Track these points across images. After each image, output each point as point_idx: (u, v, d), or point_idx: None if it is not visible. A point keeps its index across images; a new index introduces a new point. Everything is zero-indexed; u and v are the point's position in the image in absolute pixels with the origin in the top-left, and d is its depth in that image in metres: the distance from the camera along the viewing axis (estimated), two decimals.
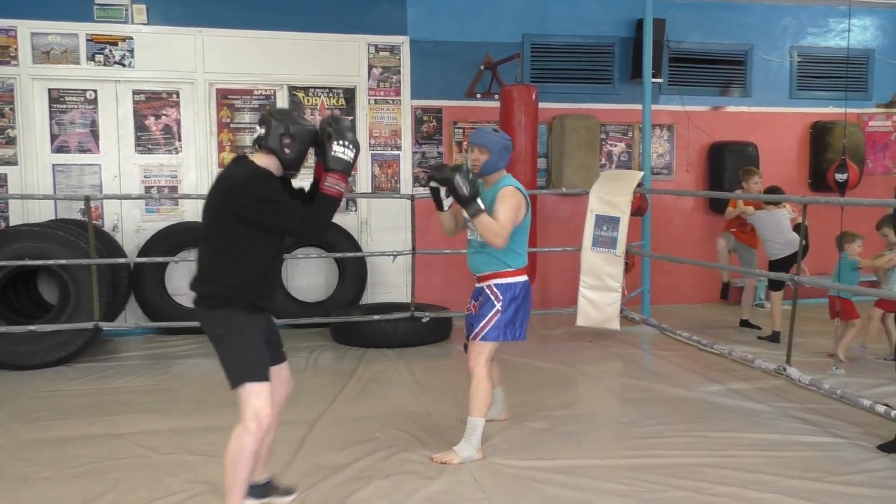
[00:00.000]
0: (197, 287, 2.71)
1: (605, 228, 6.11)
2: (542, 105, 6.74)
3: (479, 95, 7.20)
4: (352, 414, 4.28)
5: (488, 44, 7.17)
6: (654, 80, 6.89)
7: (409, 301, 6.20)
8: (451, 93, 7.22)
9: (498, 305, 3.54)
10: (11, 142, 6.35)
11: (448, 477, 3.36)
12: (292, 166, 2.72)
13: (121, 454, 3.65)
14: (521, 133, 6.46)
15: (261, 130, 2.69)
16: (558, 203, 7.49)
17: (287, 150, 2.66)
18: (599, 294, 6.11)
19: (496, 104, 6.84)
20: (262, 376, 2.66)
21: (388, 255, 6.26)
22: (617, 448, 3.77)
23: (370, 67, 7.06)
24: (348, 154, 2.68)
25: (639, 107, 6.77)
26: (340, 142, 2.66)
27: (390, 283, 7.01)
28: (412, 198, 6.17)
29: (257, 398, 2.64)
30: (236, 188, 2.59)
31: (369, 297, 6.97)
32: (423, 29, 7.13)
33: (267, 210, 2.60)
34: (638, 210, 6.38)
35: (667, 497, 3.15)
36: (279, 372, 2.88)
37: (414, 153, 7.21)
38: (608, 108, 7.59)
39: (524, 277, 3.62)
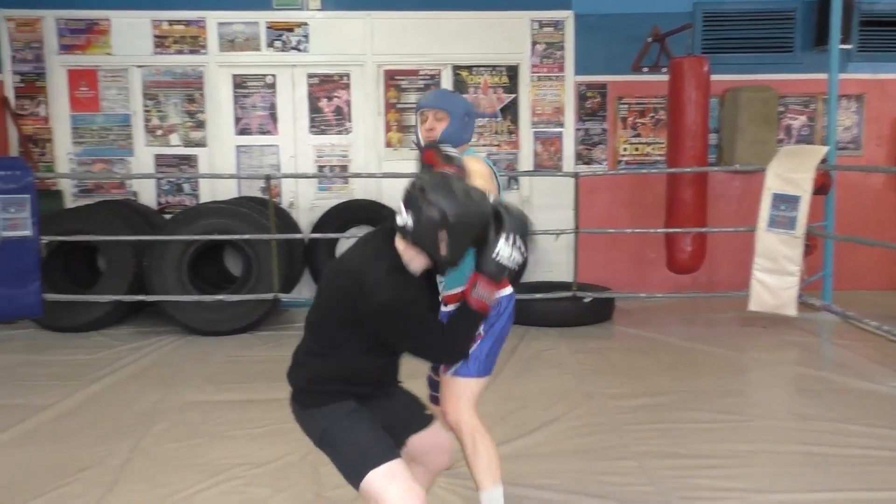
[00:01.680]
0: (291, 379, 2.22)
1: (783, 208, 5.72)
2: (714, 77, 6.38)
3: (645, 69, 6.95)
4: (513, 391, 4.32)
5: (656, 15, 6.88)
6: (841, 46, 6.33)
7: (570, 280, 6.13)
8: (616, 68, 7.01)
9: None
10: (201, 125, 6.88)
11: (613, 461, 3.31)
12: (447, 265, 2.05)
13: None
14: (690, 107, 6.16)
15: (406, 217, 1.99)
16: (729, 181, 7.11)
17: (443, 251, 1.99)
18: (775, 277, 5.75)
19: (664, 78, 6.56)
20: (383, 457, 2.02)
21: (550, 234, 6.21)
22: (791, 442, 3.55)
23: (533, 44, 6.99)
24: (515, 258, 2.03)
25: (823, 76, 6.26)
26: (511, 240, 2.01)
27: (551, 261, 6.96)
28: (576, 175, 6.08)
29: (392, 482, 1.99)
30: (371, 301, 1.96)
31: (530, 276, 6.96)
32: (588, 2, 6.95)
33: (406, 337, 2.04)
34: (821, 188, 5.91)
35: (849, 498, 2.94)
36: (425, 440, 2.28)
37: (577, 130, 7.09)
38: (788, 78, 7.07)
39: (509, 288, 2.58)
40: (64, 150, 6.79)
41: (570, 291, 5.96)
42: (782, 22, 7.07)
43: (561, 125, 7.07)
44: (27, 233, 5.51)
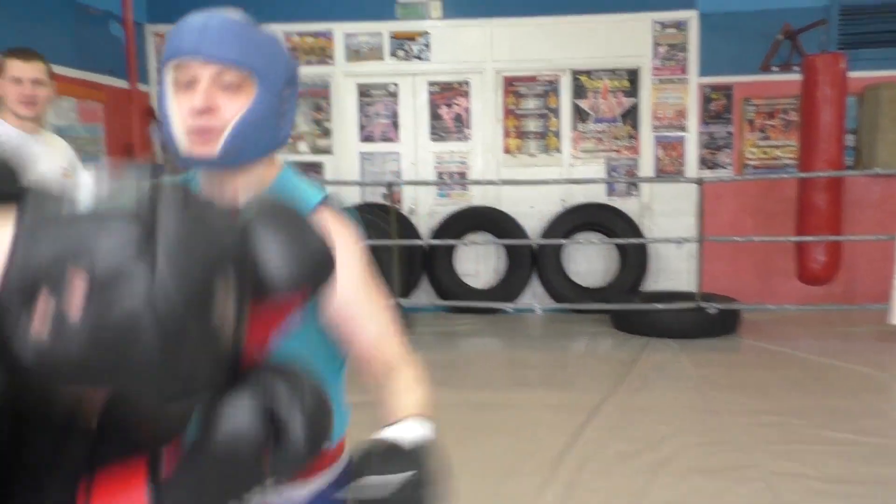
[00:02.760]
0: None
1: None
2: (851, 74, 6.04)
3: (775, 68, 6.66)
4: (634, 403, 4.25)
5: (786, 11, 6.57)
6: None
7: (693, 290, 5.97)
8: (743, 68, 6.75)
9: None
10: (327, 133, 7.15)
11: (741, 482, 3.21)
12: None
13: None
14: (825, 107, 5.85)
15: None
16: (868, 185, 6.69)
17: None
18: None
19: (795, 77, 6.27)
20: None
21: (673, 242, 6.07)
22: None
23: (655, 45, 6.84)
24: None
25: None
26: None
27: (673, 270, 6.79)
28: (699, 181, 5.90)
29: None
30: None
31: (650, 285, 6.83)
32: (714, 1, 6.73)
33: None
34: None
35: None
36: None
37: (700, 134, 6.88)
38: None
39: None
40: None
41: (694, 302, 5.79)
42: None
43: (683, 129, 6.89)
44: None
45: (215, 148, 1.16)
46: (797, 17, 6.48)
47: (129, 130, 6.57)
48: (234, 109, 1.17)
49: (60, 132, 6.37)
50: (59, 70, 5.76)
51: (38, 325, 0.64)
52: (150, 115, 7.10)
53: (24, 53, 2.76)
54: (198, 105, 1.14)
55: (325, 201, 1.27)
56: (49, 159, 2.80)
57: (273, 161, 1.29)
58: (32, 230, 0.67)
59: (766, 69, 6.69)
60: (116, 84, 6.48)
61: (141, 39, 6.96)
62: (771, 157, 6.85)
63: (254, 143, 1.20)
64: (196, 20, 1.19)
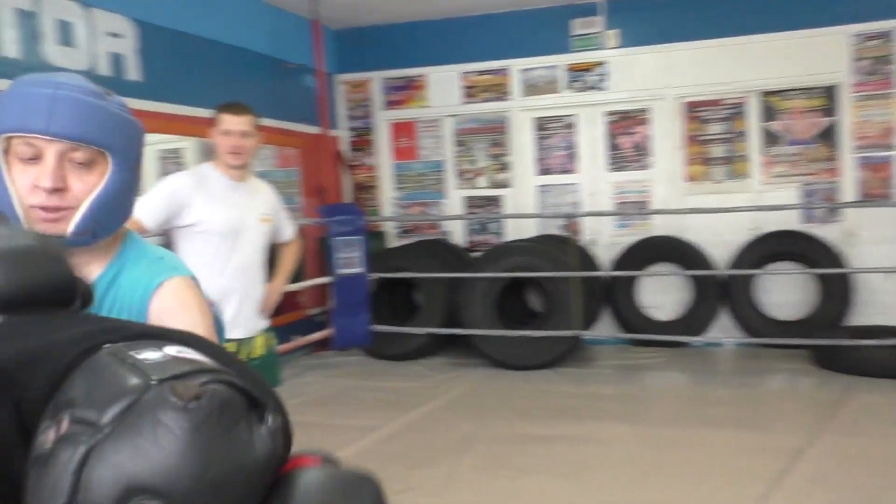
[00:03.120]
0: None
1: None
2: None
3: None
4: (845, 451, 3.88)
5: None
6: None
7: None
8: None
9: None
10: (505, 167, 7.26)
11: None
12: None
13: (601, 458, 3.88)
14: None
15: None
16: None
17: None
18: None
19: None
20: None
21: (882, 272, 5.53)
22: None
23: (854, 60, 6.33)
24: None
25: None
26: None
27: (883, 302, 6.17)
28: None
29: None
30: None
31: (856, 319, 6.24)
32: None
33: None
34: None
35: None
36: None
37: None
38: None
39: None
40: (387, 196, 7.59)
41: None
42: None
43: (891, 148, 6.29)
44: (359, 270, 6.24)
45: (66, 227, 1.10)
46: None
47: (322, 172, 7.05)
48: (86, 188, 1.11)
49: (261, 177, 7.00)
50: (262, 121, 6.34)
51: None
52: (339, 159, 7.59)
53: (235, 108, 3.03)
54: (47, 185, 1.07)
55: (173, 269, 1.22)
56: (248, 206, 2.99)
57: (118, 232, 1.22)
58: None
59: None
60: (309, 131, 6.99)
61: (331, 88, 7.48)
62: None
63: (108, 220, 1.15)
64: (42, 92, 1.09)
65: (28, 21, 4.37)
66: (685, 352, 6.33)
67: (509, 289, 6.40)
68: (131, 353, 0.69)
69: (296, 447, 0.78)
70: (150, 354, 0.68)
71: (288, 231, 3.32)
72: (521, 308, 6.89)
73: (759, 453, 3.83)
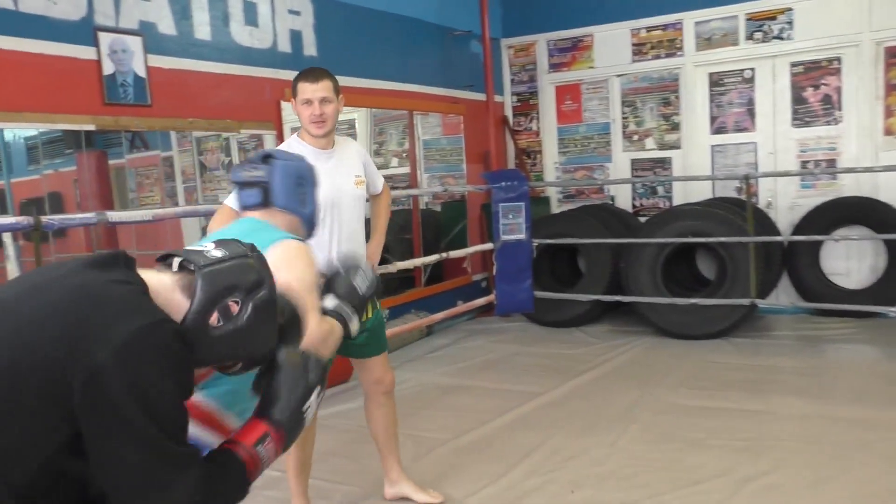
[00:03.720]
0: None
1: None
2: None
3: None
4: None
5: None
6: None
7: None
8: None
9: None
10: (676, 127, 6.91)
11: None
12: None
13: (779, 435, 3.65)
14: None
15: (214, 251, 1.39)
16: None
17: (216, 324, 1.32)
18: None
19: None
20: None
21: None
22: None
23: None
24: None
25: None
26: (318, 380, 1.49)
27: None
28: None
29: None
30: (95, 353, 1.15)
31: None
32: None
33: (124, 444, 1.16)
34: None
35: None
36: None
37: None
38: None
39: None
40: (551, 160, 7.48)
41: None
42: None
43: None
44: (522, 236, 6.23)
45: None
46: None
47: (486, 139, 7.07)
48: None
49: (427, 146, 7.15)
50: (425, 90, 6.45)
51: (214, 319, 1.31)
52: (505, 124, 7.57)
53: (312, 74, 2.91)
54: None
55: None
56: (341, 172, 2.94)
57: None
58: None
59: None
60: (475, 97, 7.01)
61: (497, 54, 7.44)
62: None
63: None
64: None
65: (217, 4, 4.69)
66: (876, 323, 5.79)
67: (678, 255, 6.14)
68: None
69: (463, 407, 1.28)
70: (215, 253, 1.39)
71: (378, 183, 3.20)
72: (690, 275, 6.60)
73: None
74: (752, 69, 6.57)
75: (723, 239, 5.59)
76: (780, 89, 6.47)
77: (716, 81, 6.73)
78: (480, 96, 7.04)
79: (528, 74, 7.53)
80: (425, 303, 6.22)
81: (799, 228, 6.14)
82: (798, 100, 6.43)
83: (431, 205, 7.34)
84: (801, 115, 6.43)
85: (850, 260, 6.21)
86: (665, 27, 6.85)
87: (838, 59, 6.25)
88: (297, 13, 5.22)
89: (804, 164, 6.43)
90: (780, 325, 6.00)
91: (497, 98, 7.33)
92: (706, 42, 6.69)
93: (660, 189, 7.05)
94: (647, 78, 6.99)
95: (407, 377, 4.95)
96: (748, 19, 6.51)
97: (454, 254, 6.19)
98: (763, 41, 6.47)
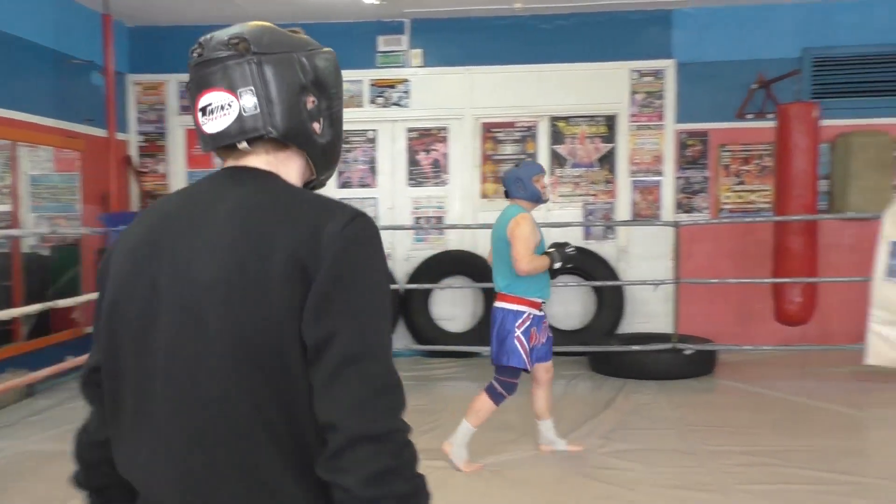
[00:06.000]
0: None
1: None
2: (824, 122, 6.15)
3: (749, 116, 6.77)
4: (612, 446, 4.18)
5: (761, 61, 6.72)
6: None
7: (669, 332, 5.95)
8: (719, 115, 6.86)
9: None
10: None
11: None
12: None
13: None
14: (799, 154, 5.95)
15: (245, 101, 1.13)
16: (841, 229, 6.74)
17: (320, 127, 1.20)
18: (895, 330, 5.38)
19: (770, 124, 6.38)
20: None
21: (650, 285, 6.07)
22: None
23: (632, 93, 6.96)
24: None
25: None
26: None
27: (650, 312, 6.77)
28: (676, 225, 5.94)
29: None
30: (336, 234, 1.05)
31: (627, 327, 6.81)
32: (690, 51, 6.87)
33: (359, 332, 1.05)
34: None
35: None
36: None
37: (677, 178, 6.95)
38: None
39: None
40: None
41: (670, 343, 5.77)
42: None
43: (660, 174, 6.96)
44: None
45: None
46: (771, 67, 6.63)
47: (106, 178, 6.56)
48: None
49: (35, 182, 6.42)
50: (34, 119, 5.80)
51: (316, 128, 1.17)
52: (129, 164, 7.12)
53: None
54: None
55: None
56: None
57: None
58: None
59: (741, 117, 6.81)
60: (95, 133, 6.50)
61: (122, 89, 7.02)
62: (746, 201, 6.92)
63: None
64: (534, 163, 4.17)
65: None
66: (478, 361, 6.55)
67: None
68: None
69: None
70: None
71: None
72: None
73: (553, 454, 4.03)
74: (375, 130, 7.13)
75: None
76: (398, 151, 7.12)
77: (344, 139, 7.14)
78: (101, 132, 6.55)
79: (157, 114, 7.22)
80: (26, 359, 5.47)
81: (413, 277, 6.73)
82: (413, 162, 7.12)
83: (39, 248, 6.55)
84: (416, 175, 7.13)
85: (455, 306, 6.98)
86: None
87: (446, 129, 7.09)
88: None
89: (417, 219, 7.11)
90: (396, 366, 6.43)
91: (120, 136, 6.89)
92: None
93: None
94: None
95: (0, 446, 4.29)
96: (372, 85, 7.08)
97: (62, 303, 5.56)
98: (384, 106, 7.08)
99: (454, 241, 7.00)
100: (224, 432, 1.03)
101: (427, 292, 6.79)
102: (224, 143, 1.14)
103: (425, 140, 7.12)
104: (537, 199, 3.98)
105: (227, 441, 1.03)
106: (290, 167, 1.18)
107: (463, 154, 7.07)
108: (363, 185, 7.15)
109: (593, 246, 6.85)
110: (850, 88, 6.78)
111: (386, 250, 6.91)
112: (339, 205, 1.10)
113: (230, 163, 1.19)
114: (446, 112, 7.06)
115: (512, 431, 4.44)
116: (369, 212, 7.05)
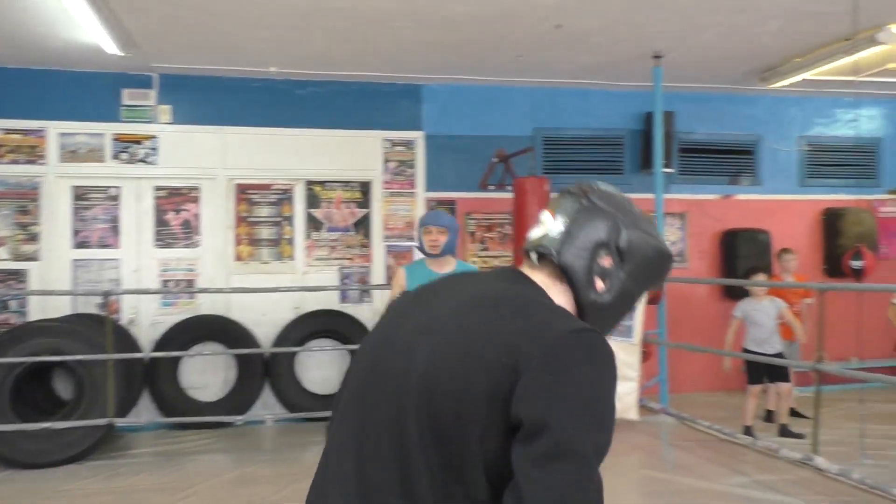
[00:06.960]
0: None
1: None
2: (554, 195, 6.83)
3: (492, 187, 7.33)
4: None
5: (501, 137, 7.34)
6: (664, 170, 7.00)
7: None
8: (465, 185, 7.35)
9: None
10: (34, 238, 6.48)
11: None
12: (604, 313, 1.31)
13: None
14: (533, 222, 6.52)
15: (554, 226, 1.32)
16: None
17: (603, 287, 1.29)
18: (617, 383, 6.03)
19: (509, 195, 6.95)
20: None
21: None
22: None
23: (386, 161, 7.23)
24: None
25: (650, 196, 6.86)
26: None
27: None
28: None
29: None
30: (544, 337, 1.12)
31: None
32: (438, 124, 7.32)
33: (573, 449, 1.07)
34: (653, 298, 6.37)
35: None
36: None
37: None
38: None
39: None
40: None
41: None
42: (613, 147, 7.74)
43: (412, 239, 7.25)
44: None
45: (439, 251, 4.03)
46: (510, 143, 7.25)
47: None
48: (443, 240, 4.02)
49: None
50: None
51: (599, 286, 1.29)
52: None
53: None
54: (431, 240, 4.04)
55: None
56: None
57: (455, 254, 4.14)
58: None
59: (483, 187, 7.34)
60: None
61: None
62: (490, 266, 7.43)
63: (449, 249, 4.06)
64: (430, 213, 4.59)
65: None
66: (229, 432, 6.26)
67: (33, 375, 5.64)
68: None
69: None
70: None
71: None
72: (47, 397, 6.10)
73: None
74: (119, 187, 6.67)
75: (79, 357, 5.35)
76: (145, 210, 6.71)
77: (80, 195, 6.60)
78: None
79: None
80: None
81: (160, 345, 6.30)
82: (161, 222, 6.74)
83: None
84: (164, 236, 6.75)
85: (206, 374, 6.62)
86: (27, 132, 6.48)
87: (198, 189, 6.83)
88: None
89: (166, 282, 6.71)
90: (140, 442, 5.96)
91: None
92: (71, 154, 6.56)
93: (13, 303, 6.43)
94: (3, 182, 6.44)
95: None
96: (115, 139, 6.64)
97: None
98: (129, 162, 6.67)
99: (206, 305, 6.69)
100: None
101: (176, 360, 6.38)
102: (527, 248, 1.36)
103: (175, 199, 6.79)
104: (422, 250, 4.13)
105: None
106: (558, 298, 1.29)
107: (216, 215, 6.84)
108: (103, 246, 6.61)
109: (350, 309, 6.91)
110: (575, 166, 7.63)
111: (129, 316, 6.48)
112: (581, 321, 1.21)
113: (522, 266, 1.37)
114: (198, 171, 6.81)
115: None
116: (110, 274, 6.56)
